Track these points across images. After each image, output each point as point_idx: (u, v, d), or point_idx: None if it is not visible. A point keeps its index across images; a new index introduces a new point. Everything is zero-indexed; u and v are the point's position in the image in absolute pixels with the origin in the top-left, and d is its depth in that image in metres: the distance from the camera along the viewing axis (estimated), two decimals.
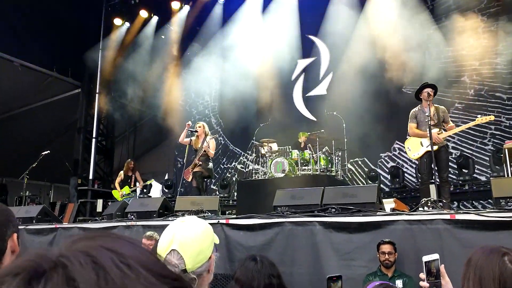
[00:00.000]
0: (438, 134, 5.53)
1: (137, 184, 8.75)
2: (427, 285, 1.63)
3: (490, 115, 5.61)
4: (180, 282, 0.44)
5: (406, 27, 9.70)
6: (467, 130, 9.49)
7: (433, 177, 5.37)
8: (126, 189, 8.63)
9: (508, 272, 1.31)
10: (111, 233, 0.45)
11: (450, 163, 8.99)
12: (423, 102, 5.83)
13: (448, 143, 9.58)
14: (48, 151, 8.37)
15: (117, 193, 8.74)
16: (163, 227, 1.51)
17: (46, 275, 0.37)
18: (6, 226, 1.21)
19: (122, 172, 8.91)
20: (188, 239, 1.38)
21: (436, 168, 5.22)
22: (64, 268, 0.38)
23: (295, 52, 11.78)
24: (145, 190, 10.82)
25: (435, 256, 1.67)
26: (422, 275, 1.65)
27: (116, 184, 8.84)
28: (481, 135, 9.41)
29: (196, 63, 12.59)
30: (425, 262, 1.66)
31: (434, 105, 5.70)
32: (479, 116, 5.59)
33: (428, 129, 5.32)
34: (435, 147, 5.40)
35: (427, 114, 5.43)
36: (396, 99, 9.50)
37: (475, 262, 1.38)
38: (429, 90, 5.68)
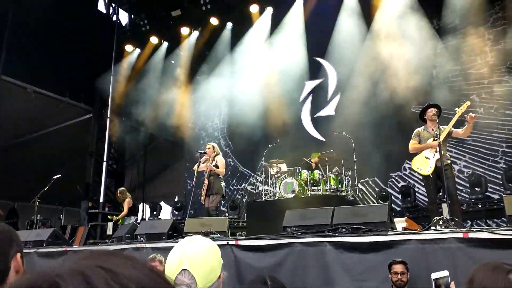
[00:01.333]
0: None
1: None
2: None
3: (465, 101, 5.59)
4: None
5: (413, 47, 9.77)
6: (478, 149, 9.43)
7: (444, 196, 5.31)
8: (116, 218, 9.02)
9: None
10: (118, 253, 0.46)
11: (462, 182, 8.94)
12: (427, 122, 5.84)
13: (459, 161, 9.53)
14: (60, 175, 8.45)
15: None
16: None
17: None
18: (9, 246, 1.20)
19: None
20: (198, 259, 1.37)
21: (445, 187, 5.18)
22: None
23: (303, 73, 11.90)
24: (155, 213, 10.81)
25: (445, 273, 1.66)
26: None
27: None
28: (492, 153, 9.31)
29: (205, 86, 12.78)
30: (434, 279, 1.65)
31: (440, 127, 5.63)
32: (457, 108, 5.55)
33: (438, 147, 5.29)
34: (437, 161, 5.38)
35: (435, 132, 5.40)
36: (405, 119, 9.47)
37: (479, 281, 1.34)
38: (433, 110, 5.69)
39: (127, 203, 8.99)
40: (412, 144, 5.83)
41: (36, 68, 10.96)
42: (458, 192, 8.01)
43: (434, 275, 1.66)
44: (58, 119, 13.02)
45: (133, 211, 9.45)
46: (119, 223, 8.88)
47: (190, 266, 1.35)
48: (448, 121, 5.66)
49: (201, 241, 1.45)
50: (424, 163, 5.64)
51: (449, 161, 5.65)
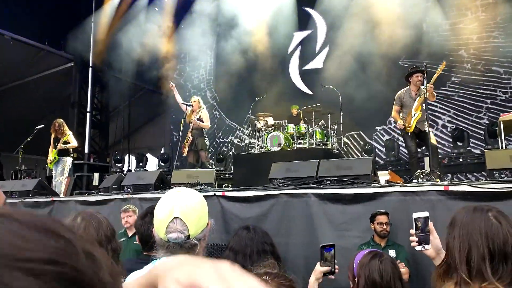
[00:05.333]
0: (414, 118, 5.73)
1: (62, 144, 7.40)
2: (416, 239, 1.69)
3: (443, 62, 5.62)
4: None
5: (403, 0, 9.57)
6: (463, 104, 9.53)
7: (428, 150, 5.49)
8: (52, 154, 7.42)
9: (494, 227, 1.35)
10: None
11: (445, 136, 9.13)
12: (411, 86, 5.92)
13: (443, 116, 9.66)
14: (43, 125, 8.31)
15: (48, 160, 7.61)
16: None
17: None
18: None
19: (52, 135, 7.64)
20: (189, 207, 1.42)
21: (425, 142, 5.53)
22: None
23: (292, 24, 11.62)
24: (141, 164, 10.82)
25: (425, 213, 1.73)
26: (412, 231, 1.71)
27: (49, 150, 7.61)
28: (477, 109, 9.43)
29: (190, 36, 12.40)
30: (415, 218, 1.73)
31: (422, 87, 5.73)
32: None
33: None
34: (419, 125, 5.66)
35: (417, 96, 5.58)
36: (393, 72, 9.45)
37: (460, 220, 1.41)
38: (420, 76, 5.71)
39: (70, 137, 7.55)
40: (394, 111, 6.09)
41: (13, 14, 10.43)
42: (441, 146, 8.36)
43: (416, 215, 1.74)
44: (38, 67, 12.61)
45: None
46: (51, 163, 7.41)
47: (182, 214, 1.40)
48: (438, 77, 5.67)
49: (189, 191, 1.51)
50: (408, 117, 5.86)
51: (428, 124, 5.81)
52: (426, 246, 1.68)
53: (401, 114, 6.03)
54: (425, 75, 5.49)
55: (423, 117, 5.69)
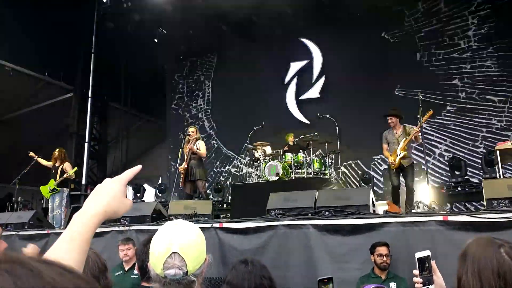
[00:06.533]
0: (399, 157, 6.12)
1: (64, 175, 7.47)
2: (420, 280, 1.67)
3: (429, 111, 5.98)
4: None
5: (397, 30, 9.80)
6: (459, 133, 9.60)
7: (427, 181, 5.61)
8: (51, 183, 7.50)
9: (506, 264, 1.32)
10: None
11: (442, 165, 9.18)
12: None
13: (440, 145, 9.72)
14: (40, 156, 8.29)
15: (45, 189, 7.61)
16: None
17: None
18: None
19: (51, 162, 7.77)
20: (187, 242, 1.38)
21: (405, 180, 6.13)
22: None
23: (288, 55, 11.83)
24: (138, 195, 10.74)
25: (427, 252, 1.71)
26: (415, 271, 1.68)
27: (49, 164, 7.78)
28: (473, 138, 9.49)
29: (189, 66, 12.62)
30: (418, 258, 1.70)
31: (406, 125, 6.27)
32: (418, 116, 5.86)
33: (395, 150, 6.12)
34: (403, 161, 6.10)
35: (398, 136, 6.18)
36: (389, 101, 9.54)
37: (472, 255, 1.38)
38: (389, 119, 6.29)
39: (70, 166, 7.57)
40: (383, 149, 6.52)
41: (14, 45, 10.60)
42: (438, 175, 8.55)
43: (418, 254, 1.72)
44: (38, 98, 12.71)
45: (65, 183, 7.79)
46: (55, 191, 7.44)
47: (180, 249, 1.35)
48: (433, 105, 5.84)
49: (186, 225, 1.46)
50: (393, 155, 6.21)
51: (412, 162, 6.25)
52: (430, 287, 1.67)
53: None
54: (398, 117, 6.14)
55: (409, 154, 6.14)
